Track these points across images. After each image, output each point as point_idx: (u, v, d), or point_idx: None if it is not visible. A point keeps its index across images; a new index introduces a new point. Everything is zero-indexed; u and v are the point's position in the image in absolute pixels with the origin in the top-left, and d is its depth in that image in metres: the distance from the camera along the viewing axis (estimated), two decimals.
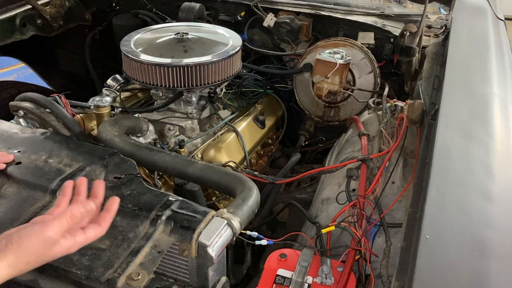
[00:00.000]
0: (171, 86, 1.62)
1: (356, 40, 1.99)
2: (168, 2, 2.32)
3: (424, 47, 1.99)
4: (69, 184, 0.95)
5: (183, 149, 1.63)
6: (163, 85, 1.62)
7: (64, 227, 0.83)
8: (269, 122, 2.09)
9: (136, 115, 1.71)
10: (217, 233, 0.97)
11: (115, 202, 0.92)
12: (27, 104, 1.46)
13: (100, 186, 0.94)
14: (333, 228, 1.29)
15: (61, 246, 0.82)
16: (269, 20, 2.12)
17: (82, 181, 0.95)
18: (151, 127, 1.64)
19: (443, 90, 1.33)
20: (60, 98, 1.49)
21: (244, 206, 1.08)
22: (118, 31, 2.27)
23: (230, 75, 1.72)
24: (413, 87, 1.91)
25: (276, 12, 2.17)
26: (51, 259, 0.83)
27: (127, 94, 1.91)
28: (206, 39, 1.78)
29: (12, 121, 1.45)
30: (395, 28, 2.02)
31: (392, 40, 1.99)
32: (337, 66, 1.82)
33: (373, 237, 1.32)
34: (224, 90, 1.87)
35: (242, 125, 1.93)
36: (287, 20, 2.08)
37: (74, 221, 0.85)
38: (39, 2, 2.20)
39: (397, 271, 0.89)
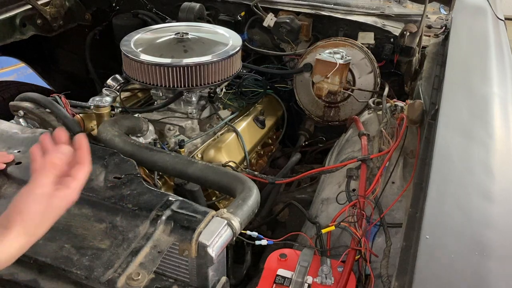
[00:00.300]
0: (171, 86, 1.62)
1: (356, 40, 1.99)
2: (168, 2, 2.32)
3: (424, 47, 1.99)
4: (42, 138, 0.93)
5: (183, 149, 1.63)
6: (163, 85, 1.62)
7: (51, 178, 0.83)
8: (269, 122, 2.09)
9: (136, 115, 1.71)
10: (217, 233, 0.97)
11: (81, 138, 0.91)
12: (27, 104, 1.46)
13: (61, 133, 0.92)
14: (333, 228, 1.29)
15: (60, 198, 0.82)
16: (269, 20, 2.12)
17: (45, 136, 0.93)
18: (151, 127, 1.64)
19: (443, 90, 1.33)
20: (60, 98, 1.49)
21: (244, 206, 1.08)
22: (118, 31, 2.28)
23: (230, 75, 1.72)
24: (413, 87, 1.91)
25: (276, 12, 2.17)
26: (57, 212, 0.83)
27: (127, 94, 1.91)
28: (206, 39, 1.78)
29: (12, 121, 1.45)
30: (395, 28, 2.02)
31: (392, 40, 1.99)
32: (337, 66, 1.82)
33: (373, 237, 1.32)
34: (224, 90, 1.87)
35: (242, 125, 1.93)
36: (287, 20, 2.08)
37: (58, 169, 0.84)
38: (39, 2, 2.20)
39: (397, 271, 0.89)
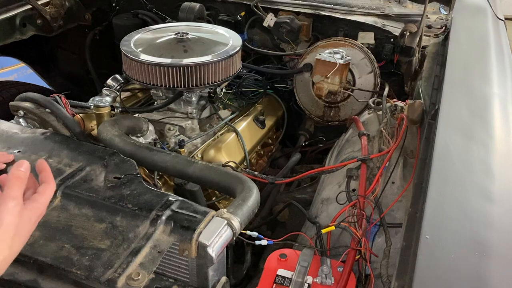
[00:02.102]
0: (171, 86, 1.62)
1: (356, 40, 1.99)
2: (168, 2, 2.32)
3: (424, 47, 1.99)
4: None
5: (183, 149, 1.63)
6: (163, 85, 1.62)
7: (18, 190, 0.83)
8: (269, 122, 2.09)
9: (136, 115, 1.71)
10: (217, 233, 0.97)
11: (42, 162, 0.94)
12: (27, 104, 1.46)
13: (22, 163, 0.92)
14: (333, 228, 1.29)
15: (29, 210, 0.83)
16: (269, 20, 2.12)
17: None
18: (151, 127, 1.64)
19: (443, 90, 1.33)
20: (60, 98, 1.49)
21: (244, 206, 1.08)
22: (118, 31, 2.28)
23: (230, 75, 1.72)
24: (413, 87, 1.91)
25: (276, 12, 2.17)
26: (30, 225, 0.83)
27: (127, 94, 1.91)
28: (206, 39, 1.78)
29: (12, 121, 1.45)
30: (395, 28, 2.02)
31: (392, 40, 1.99)
32: (337, 66, 1.82)
33: (373, 237, 1.32)
34: (224, 90, 1.87)
35: (242, 125, 1.93)
36: (287, 20, 2.08)
37: (23, 182, 0.86)
38: (39, 2, 2.20)
39: (397, 271, 0.89)
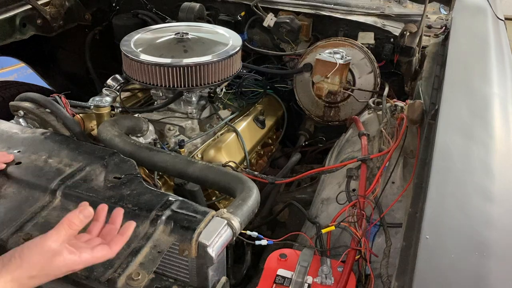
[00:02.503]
0: (171, 86, 1.62)
1: (356, 40, 1.99)
2: (168, 2, 2.32)
3: (424, 47, 1.99)
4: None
5: (183, 149, 1.63)
6: (163, 85, 1.62)
7: (63, 235, 0.81)
8: (269, 122, 2.09)
9: (136, 115, 1.71)
10: (217, 233, 0.97)
11: (130, 226, 0.91)
12: (27, 104, 1.46)
13: (119, 213, 0.93)
14: (333, 228, 1.29)
15: (64, 259, 0.80)
16: (269, 20, 2.12)
17: (103, 208, 0.93)
18: (151, 127, 1.64)
19: (443, 90, 1.33)
20: (60, 98, 1.49)
21: (244, 206, 1.08)
22: (118, 31, 2.28)
23: (230, 75, 1.72)
24: (413, 87, 1.91)
25: (276, 12, 2.17)
26: (56, 272, 0.81)
27: (127, 94, 1.91)
28: (206, 39, 1.78)
29: (12, 121, 1.45)
30: (395, 28, 2.02)
31: (392, 40, 1.99)
32: (337, 66, 1.82)
33: (373, 237, 1.32)
34: (224, 90, 1.87)
35: (242, 125, 1.93)
36: (287, 20, 2.08)
37: (74, 229, 0.83)
38: (39, 2, 2.20)
39: (397, 271, 0.89)
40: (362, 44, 1.97)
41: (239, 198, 1.12)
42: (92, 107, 1.57)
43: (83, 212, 0.86)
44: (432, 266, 0.81)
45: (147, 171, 1.55)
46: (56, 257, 0.80)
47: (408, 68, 2.02)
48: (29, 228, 0.99)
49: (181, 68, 1.59)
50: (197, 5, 2.13)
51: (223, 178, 1.24)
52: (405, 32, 1.93)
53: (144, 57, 1.62)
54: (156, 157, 1.31)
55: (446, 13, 2.27)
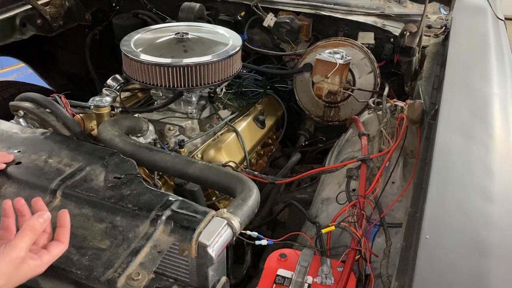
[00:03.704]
0: (171, 86, 1.62)
1: (356, 40, 1.99)
2: (168, 2, 2.32)
3: (424, 47, 1.99)
4: (7, 204, 0.92)
5: (183, 149, 1.63)
6: (163, 85, 1.62)
7: (28, 242, 0.83)
8: (269, 122, 2.09)
9: (136, 115, 1.71)
10: (217, 233, 0.97)
11: (65, 215, 0.92)
12: (27, 104, 1.46)
13: (40, 204, 0.93)
14: (333, 228, 1.29)
15: (29, 265, 0.82)
16: (269, 20, 2.12)
17: (20, 201, 0.93)
18: (151, 127, 1.64)
19: (443, 90, 1.33)
20: (60, 98, 1.49)
21: (244, 206, 1.08)
22: (118, 31, 2.28)
23: (230, 75, 1.72)
24: (413, 87, 1.91)
25: (276, 12, 2.17)
26: (22, 279, 0.82)
27: (127, 94, 1.91)
28: (206, 39, 1.78)
29: (12, 121, 1.45)
30: (395, 28, 2.02)
31: (392, 40, 1.99)
32: (337, 66, 1.82)
33: (373, 237, 1.32)
34: (224, 90, 1.87)
35: (242, 125, 1.93)
36: (287, 20, 2.08)
37: (36, 234, 0.85)
38: (39, 2, 2.20)
39: (397, 271, 0.89)
40: (362, 44, 1.97)
41: (239, 198, 1.12)
42: (92, 107, 1.57)
43: (42, 216, 0.87)
44: (432, 266, 0.81)
45: (147, 171, 1.56)
46: (23, 264, 0.82)
47: (408, 68, 2.02)
48: None
49: (181, 68, 1.59)
50: (197, 5, 2.13)
51: (223, 178, 1.24)
52: (405, 32, 1.93)
53: (144, 57, 1.62)
54: (156, 157, 1.31)
55: (446, 13, 2.27)
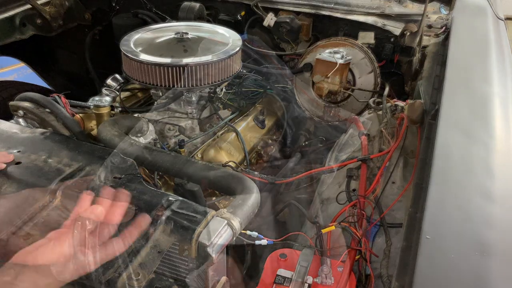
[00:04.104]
0: (171, 86, 1.62)
1: (356, 40, 1.99)
2: (168, 2, 2.32)
3: (424, 47, 1.99)
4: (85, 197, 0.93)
5: (183, 149, 1.63)
6: (163, 85, 1.62)
7: (76, 238, 0.83)
8: (269, 122, 2.09)
9: (136, 115, 1.71)
10: (217, 233, 0.97)
11: (144, 217, 0.93)
12: (27, 104, 1.45)
13: (124, 196, 0.94)
14: (333, 228, 1.29)
15: (80, 261, 0.82)
16: (269, 20, 2.12)
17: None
18: (151, 127, 1.64)
19: (443, 90, 1.33)
20: (60, 98, 1.49)
21: (244, 206, 1.08)
22: (118, 31, 2.27)
23: (230, 75, 1.71)
24: (413, 87, 1.90)
25: (276, 12, 2.17)
26: (73, 275, 0.82)
27: (127, 94, 1.91)
28: (206, 39, 1.78)
29: (12, 121, 1.45)
30: (395, 28, 2.02)
31: (392, 40, 1.99)
32: (337, 66, 1.82)
33: (373, 237, 1.32)
34: (224, 90, 1.87)
35: (242, 125, 1.93)
36: (287, 20, 2.08)
37: (85, 229, 0.85)
38: (39, 2, 2.20)
39: (397, 271, 0.88)
40: (362, 44, 1.97)
41: (239, 198, 1.12)
42: (92, 107, 1.57)
43: (93, 211, 0.88)
44: (433, 266, 0.81)
45: (147, 171, 1.55)
46: (73, 260, 0.83)
47: (408, 68, 2.02)
48: (29, 228, 0.99)
49: (181, 68, 1.58)
50: (197, 5, 2.13)
51: (223, 178, 1.24)
52: (405, 32, 1.93)
53: (144, 57, 1.61)
54: (156, 157, 1.31)
55: (446, 13, 2.26)
